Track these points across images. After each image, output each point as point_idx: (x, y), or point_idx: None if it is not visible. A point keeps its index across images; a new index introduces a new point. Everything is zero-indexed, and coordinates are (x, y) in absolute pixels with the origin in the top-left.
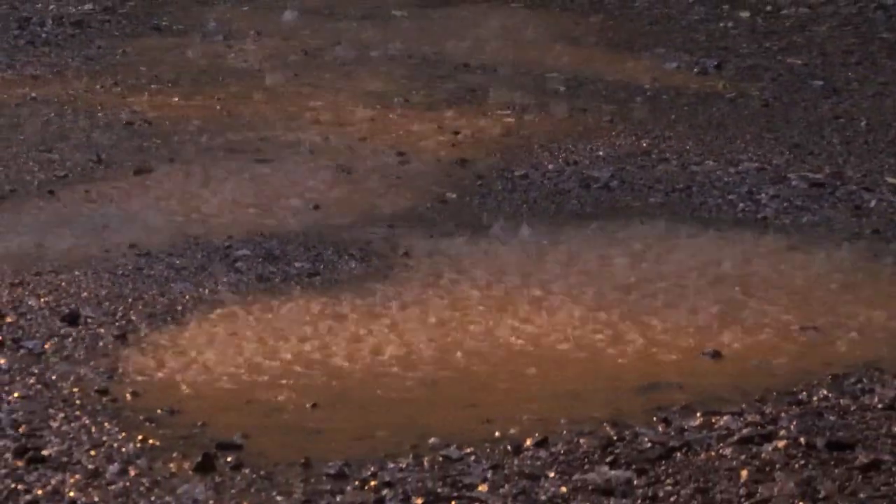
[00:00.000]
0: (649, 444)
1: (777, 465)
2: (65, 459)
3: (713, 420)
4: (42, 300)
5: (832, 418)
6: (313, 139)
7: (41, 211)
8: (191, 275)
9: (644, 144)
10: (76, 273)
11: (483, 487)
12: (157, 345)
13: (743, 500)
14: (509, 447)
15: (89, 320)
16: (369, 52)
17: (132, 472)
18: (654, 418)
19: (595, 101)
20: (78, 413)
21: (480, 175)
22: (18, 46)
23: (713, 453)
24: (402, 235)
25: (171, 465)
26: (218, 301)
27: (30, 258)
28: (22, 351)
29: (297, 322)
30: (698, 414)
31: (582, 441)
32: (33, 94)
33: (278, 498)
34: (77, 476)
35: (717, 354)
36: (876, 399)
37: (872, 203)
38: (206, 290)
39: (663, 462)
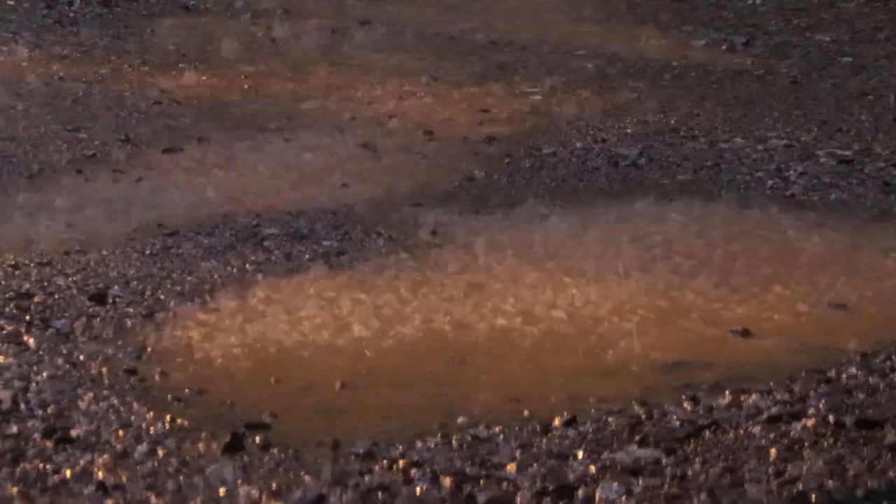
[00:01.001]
0: (678, 423)
1: (806, 444)
2: (93, 440)
3: (742, 399)
4: (70, 279)
5: (861, 396)
6: (341, 117)
7: (69, 190)
8: (219, 254)
9: (672, 122)
10: (104, 252)
11: (511, 467)
12: (186, 324)
13: (772, 478)
14: (538, 426)
15: (118, 300)
16: (397, 30)
17: (161, 453)
18: (683, 397)
19: (623, 78)
20: (106, 393)
21: (508, 153)
22: (46, 26)
23: (742, 432)
24: (430, 213)
25: (200, 445)
26: (246, 280)
27: (58, 237)
28: (50, 331)
29: (325, 301)
30: (727, 392)
31: (610, 420)
32: (61, 74)
33: (307, 478)
34: (106, 456)
35: (745, 333)
36: None
37: None
38: (235, 269)
39: (692, 441)
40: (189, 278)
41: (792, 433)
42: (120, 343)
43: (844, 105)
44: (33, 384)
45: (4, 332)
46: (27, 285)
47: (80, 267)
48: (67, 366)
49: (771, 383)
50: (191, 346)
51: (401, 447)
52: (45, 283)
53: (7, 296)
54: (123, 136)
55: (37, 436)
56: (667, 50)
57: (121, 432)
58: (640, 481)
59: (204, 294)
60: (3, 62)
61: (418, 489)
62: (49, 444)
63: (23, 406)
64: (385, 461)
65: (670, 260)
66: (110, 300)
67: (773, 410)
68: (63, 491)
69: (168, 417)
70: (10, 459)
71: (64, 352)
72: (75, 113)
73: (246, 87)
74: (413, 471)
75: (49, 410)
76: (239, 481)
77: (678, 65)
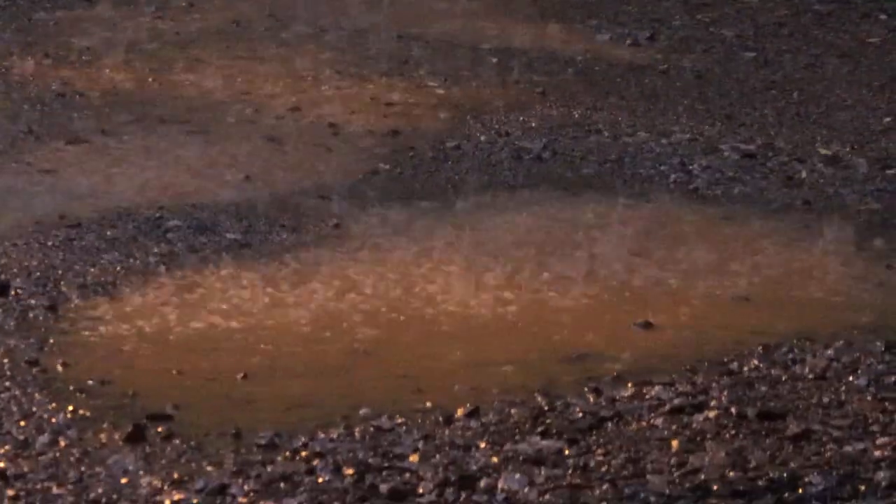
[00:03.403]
0: (580, 415)
1: (708, 435)
2: None
3: (644, 390)
4: None
5: (763, 388)
6: (244, 110)
7: None
8: (122, 245)
9: (576, 116)
10: (6, 244)
11: (414, 458)
12: (88, 316)
13: (674, 469)
14: (440, 418)
15: (20, 291)
16: (301, 23)
17: (62, 443)
18: (586, 388)
19: (527, 72)
20: (8, 384)
21: (412, 146)
22: None
23: (644, 423)
24: (334, 206)
25: (102, 435)
26: (149, 272)
27: None
28: None
29: (228, 293)
30: (629, 384)
31: (513, 411)
32: None
33: (209, 468)
34: (7, 447)
35: (648, 325)
36: (807, 369)
37: (804, 174)
38: (138, 261)
39: (594, 432)
40: (92, 270)
41: (694, 425)
42: (22, 334)
43: (748, 100)
44: None
45: None
46: None
47: None
48: None
49: (673, 375)
50: (93, 337)
51: (303, 438)
52: None
53: None
54: (27, 129)
55: None
56: (570, 44)
57: (22, 423)
58: (543, 472)
59: (107, 286)
60: None
61: (320, 479)
62: None
63: None
64: (287, 451)
65: (573, 253)
66: (12, 292)
67: (676, 402)
68: None
69: (70, 408)
70: None
71: None
72: None
73: (150, 79)
74: (315, 461)
75: None
76: (141, 471)
77: (582, 59)
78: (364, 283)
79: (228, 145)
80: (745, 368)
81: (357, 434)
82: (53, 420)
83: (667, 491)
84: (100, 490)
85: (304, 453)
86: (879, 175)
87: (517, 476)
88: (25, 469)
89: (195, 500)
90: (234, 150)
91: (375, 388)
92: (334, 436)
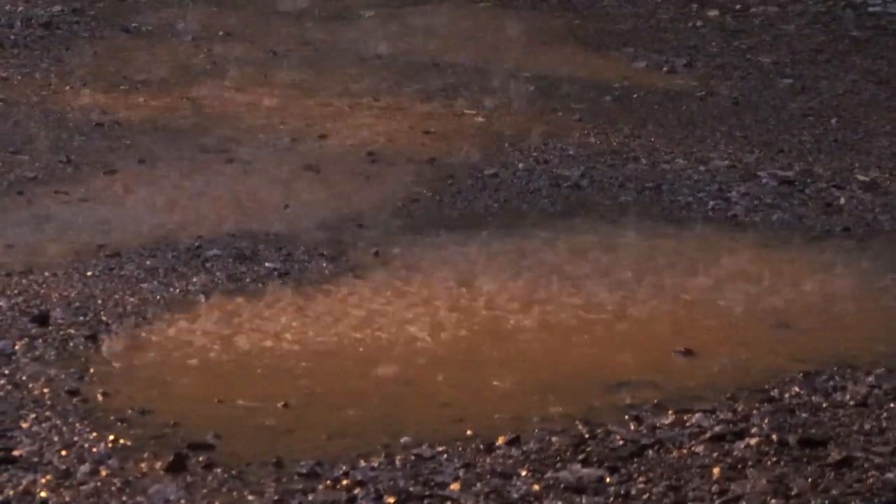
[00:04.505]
0: (621, 442)
1: (749, 463)
2: (36, 460)
3: (685, 418)
4: (12, 301)
5: (804, 415)
6: (283, 139)
7: (11, 212)
8: (161, 275)
9: (614, 143)
10: (46, 274)
11: (455, 486)
12: (128, 345)
13: (715, 497)
14: (481, 445)
15: (60, 321)
16: (337, 52)
17: (103, 473)
18: (626, 416)
19: (565, 100)
20: (49, 413)
21: (451, 174)
22: None
23: (685, 451)
24: (373, 235)
25: (143, 465)
26: (189, 301)
27: None
28: None
29: (268, 322)
30: (670, 412)
31: (554, 439)
32: (2, 96)
33: (250, 497)
34: (48, 476)
35: (688, 352)
36: (848, 396)
37: (843, 200)
38: (177, 290)
39: (635, 460)
40: (131, 299)
41: (735, 452)
42: (62, 364)
43: (786, 126)
44: None
45: None
46: None
47: (22, 289)
48: (10, 387)
49: (714, 402)
50: (133, 366)
51: (344, 466)
52: None
53: None
54: (65, 158)
55: None
56: (608, 72)
57: (63, 452)
58: (584, 500)
59: (146, 315)
60: None
61: None
62: None
63: None
64: (329, 480)
65: (612, 280)
66: (52, 321)
67: (717, 429)
68: None
69: (111, 437)
70: None
71: (6, 373)
72: (16, 135)
73: (187, 108)
74: (357, 490)
75: None
76: (182, 501)
77: (619, 86)
78: (403, 313)
79: (267, 174)
80: (786, 395)
81: (398, 462)
82: (94, 450)
83: None
84: None
85: (345, 482)
86: None
87: None
88: (67, 499)
89: None
90: (273, 179)
91: (416, 417)
92: (375, 464)
